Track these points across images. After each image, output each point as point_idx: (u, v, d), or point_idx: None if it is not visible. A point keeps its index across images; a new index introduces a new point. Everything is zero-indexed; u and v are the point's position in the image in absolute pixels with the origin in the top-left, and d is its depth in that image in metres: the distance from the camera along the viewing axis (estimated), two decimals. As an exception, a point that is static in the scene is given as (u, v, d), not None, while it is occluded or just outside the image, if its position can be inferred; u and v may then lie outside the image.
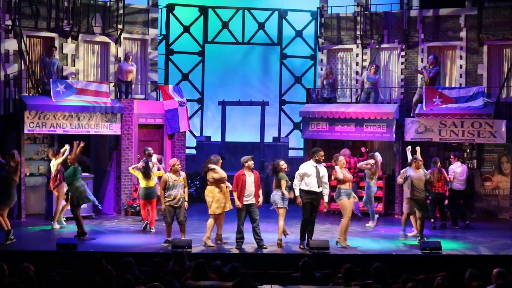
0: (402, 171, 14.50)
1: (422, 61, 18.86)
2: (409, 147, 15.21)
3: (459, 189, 16.00)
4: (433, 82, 17.90)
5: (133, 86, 18.34)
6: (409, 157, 14.79)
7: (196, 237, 13.25)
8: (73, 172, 13.92)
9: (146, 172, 14.80)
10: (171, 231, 13.19)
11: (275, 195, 13.01)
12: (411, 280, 8.21)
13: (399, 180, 14.45)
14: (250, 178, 12.87)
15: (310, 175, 12.80)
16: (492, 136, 16.62)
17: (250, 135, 21.95)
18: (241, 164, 13.00)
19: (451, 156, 16.36)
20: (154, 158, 15.47)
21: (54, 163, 15.12)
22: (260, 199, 13.08)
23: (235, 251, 12.66)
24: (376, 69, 18.53)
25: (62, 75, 17.54)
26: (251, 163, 12.95)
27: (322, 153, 13.05)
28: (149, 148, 15.37)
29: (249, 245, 12.97)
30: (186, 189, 13.17)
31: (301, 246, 12.85)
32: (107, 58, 18.65)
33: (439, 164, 15.81)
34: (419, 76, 18.53)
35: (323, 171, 12.97)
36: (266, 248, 12.81)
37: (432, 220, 15.69)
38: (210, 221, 13.06)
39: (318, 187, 12.83)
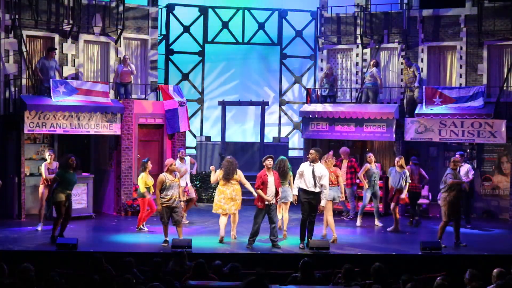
0: (450, 175, 13.48)
1: (422, 61, 18.87)
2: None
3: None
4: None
5: (132, 87, 18.32)
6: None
7: (196, 238, 13.25)
8: None
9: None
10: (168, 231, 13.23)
11: (285, 191, 13.91)
12: (411, 280, 8.21)
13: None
14: (271, 178, 12.92)
15: (305, 175, 12.85)
16: (492, 136, 16.62)
17: (250, 135, 21.95)
18: (263, 162, 13.24)
19: (457, 156, 16.13)
20: (188, 159, 15.99)
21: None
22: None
23: (239, 250, 12.63)
24: (376, 64, 18.59)
25: (62, 76, 17.54)
26: (268, 162, 12.99)
27: (311, 151, 13.09)
28: (182, 150, 15.97)
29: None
30: (180, 189, 13.29)
31: (301, 246, 12.84)
32: (107, 58, 18.65)
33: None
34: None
35: (320, 172, 12.87)
36: (280, 248, 12.83)
37: (411, 219, 16.01)
38: (220, 219, 13.68)
39: (315, 187, 12.83)
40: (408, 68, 18.30)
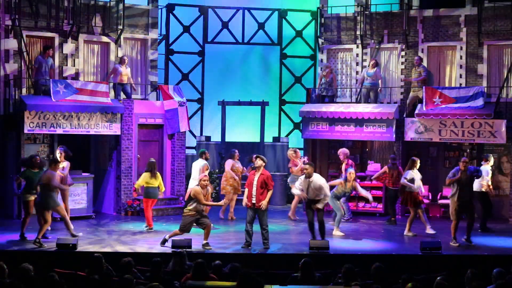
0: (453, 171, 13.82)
1: (422, 61, 18.87)
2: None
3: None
4: (426, 82, 18.11)
5: (133, 87, 18.28)
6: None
7: (197, 238, 13.24)
8: None
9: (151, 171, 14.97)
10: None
11: None
12: (411, 280, 8.21)
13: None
14: (255, 177, 12.89)
15: (304, 188, 13.41)
16: (492, 136, 16.61)
17: (250, 135, 21.95)
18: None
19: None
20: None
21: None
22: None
23: (239, 250, 12.62)
24: (375, 64, 18.59)
25: (62, 76, 17.55)
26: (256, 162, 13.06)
27: (306, 166, 13.45)
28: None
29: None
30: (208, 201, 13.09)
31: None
32: (107, 58, 18.65)
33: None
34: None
35: (316, 184, 13.27)
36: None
37: (392, 218, 16.02)
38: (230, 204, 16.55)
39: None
40: (417, 67, 18.25)
